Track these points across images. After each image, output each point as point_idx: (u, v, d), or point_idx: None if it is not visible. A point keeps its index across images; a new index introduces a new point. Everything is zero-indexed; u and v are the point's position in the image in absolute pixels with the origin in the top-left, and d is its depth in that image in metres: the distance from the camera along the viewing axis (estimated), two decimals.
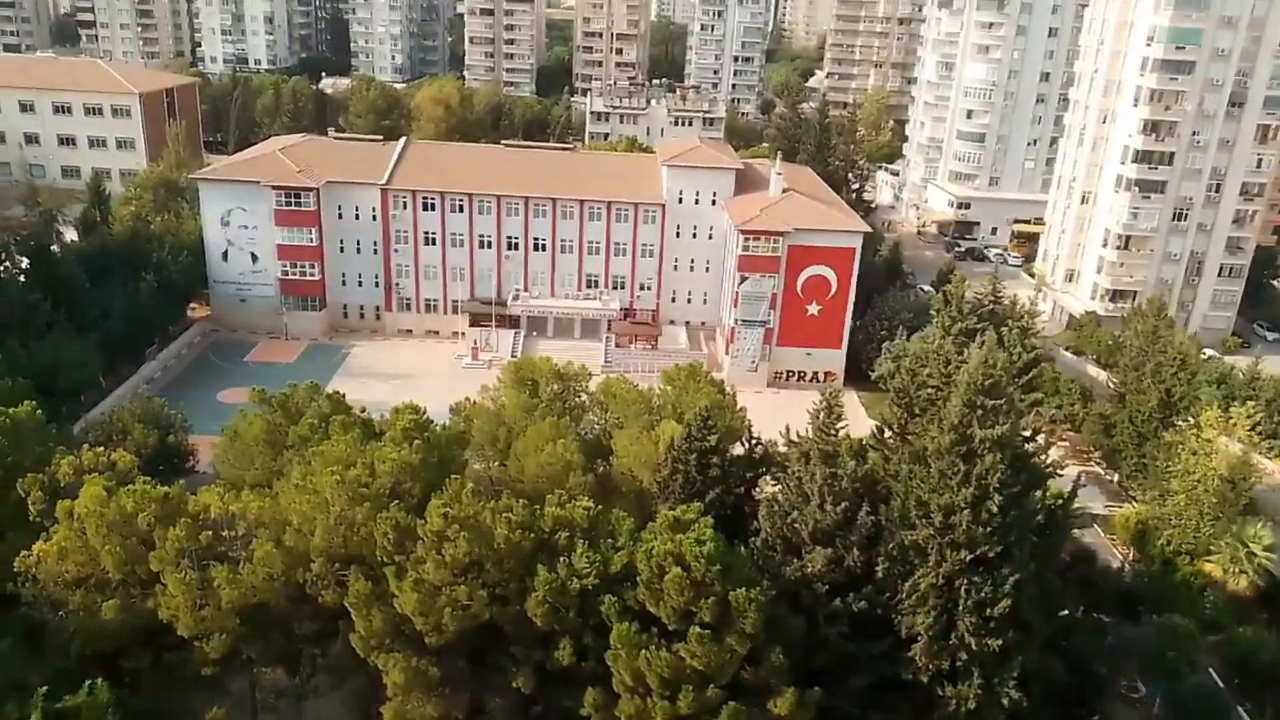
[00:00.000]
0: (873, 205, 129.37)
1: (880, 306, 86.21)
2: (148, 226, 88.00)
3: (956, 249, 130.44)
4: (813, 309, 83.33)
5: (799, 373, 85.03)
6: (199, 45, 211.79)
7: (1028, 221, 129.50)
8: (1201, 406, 64.20)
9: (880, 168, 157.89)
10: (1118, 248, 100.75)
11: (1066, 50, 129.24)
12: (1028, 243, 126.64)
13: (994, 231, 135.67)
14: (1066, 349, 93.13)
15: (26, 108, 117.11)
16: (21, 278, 73.38)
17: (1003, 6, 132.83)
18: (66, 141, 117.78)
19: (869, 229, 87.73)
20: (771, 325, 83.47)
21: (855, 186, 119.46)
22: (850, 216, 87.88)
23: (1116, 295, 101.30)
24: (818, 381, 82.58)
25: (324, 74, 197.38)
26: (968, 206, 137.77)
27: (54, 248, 77.44)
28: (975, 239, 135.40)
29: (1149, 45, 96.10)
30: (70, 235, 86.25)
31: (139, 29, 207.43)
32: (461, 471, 44.00)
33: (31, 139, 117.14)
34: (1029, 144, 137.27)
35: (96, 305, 72.69)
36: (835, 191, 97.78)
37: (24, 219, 77.47)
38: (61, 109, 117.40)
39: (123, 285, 75.80)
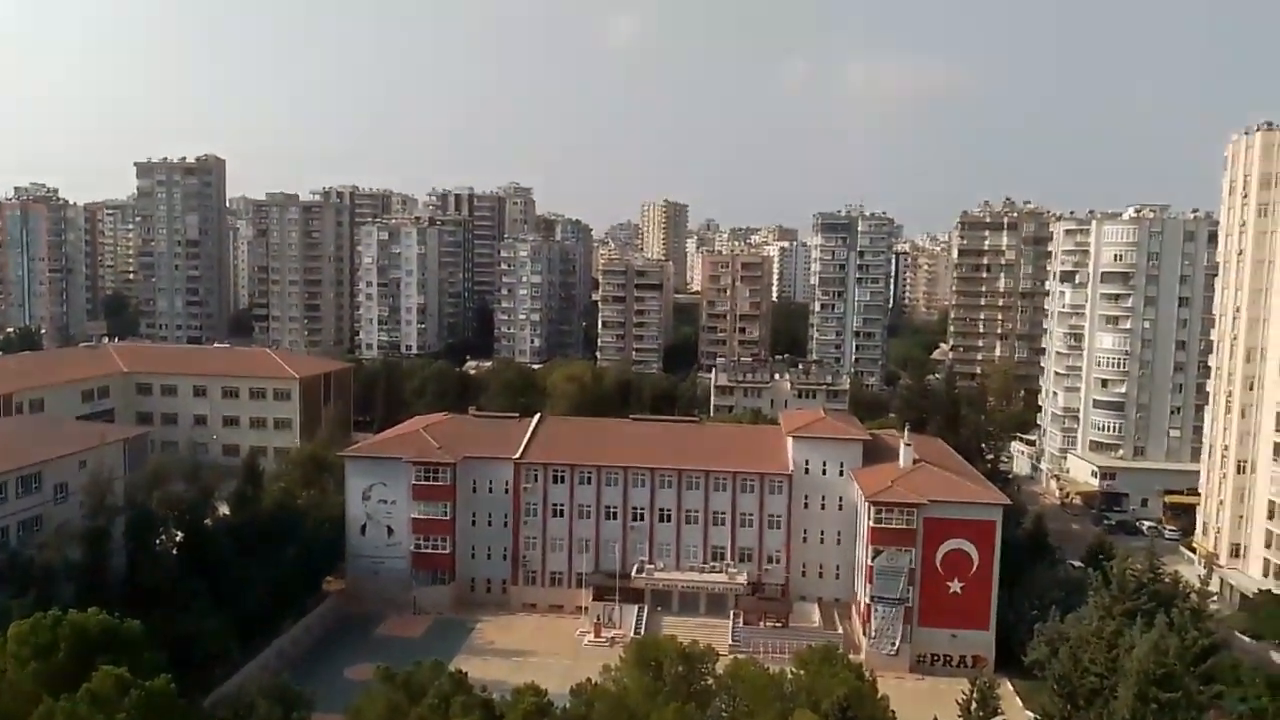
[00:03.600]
0: (1010, 476, 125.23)
1: (1027, 584, 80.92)
2: (294, 501, 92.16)
3: (1105, 522, 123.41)
4: (955, 586, 78.83)
5: (945, 656, 79.11)
6: (358, 334, 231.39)
7: (1180, 492, 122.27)
8: None
9: (1014, 438, 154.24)
10: None
11: (1200, 318, 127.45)
12: (1183, 515, 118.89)
13: (1144, 503, 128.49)
14: (1242, 632, 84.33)
15: (199, 392, 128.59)
16: (175, 550, 77.26)
17: (1128, 280, 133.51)
18: (230, 422, 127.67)
19: (1008, 500, 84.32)
20: (911, 603, 79.00)
21: (989, 457, 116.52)
22: (987, 487, 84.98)
23: None
24: (966, 666, 76.59)
25: (468, 357, 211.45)
26: (1113, 477, 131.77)
27: (207, 521, 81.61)
28: (1125, 511, 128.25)
29: None
30: (225, 510, 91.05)
31: (306, 320, 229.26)
32: None
33: (200, 420, 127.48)
34: (1172, 411, 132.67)
35: (240, 578, 75.07)
36: (969, 463, 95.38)
37: (183, 495, 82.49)
38: (229, 393, 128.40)
39: (266, 558, 78.46)
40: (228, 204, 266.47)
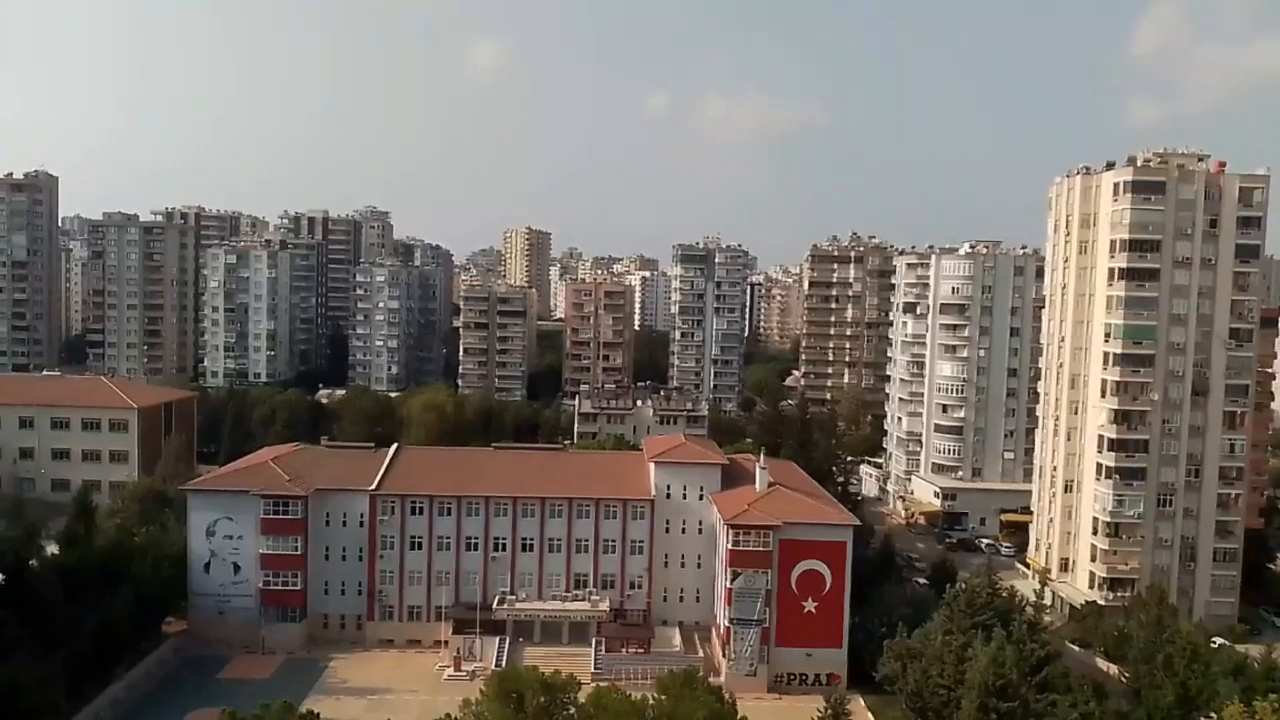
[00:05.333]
0: (859, 498, 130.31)
1: (877, 602, 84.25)
2: (131, 538, 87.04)
3: (948, 540, 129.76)
4: (809, 606, 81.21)
5: (800, 675, 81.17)
6: (202, 361, 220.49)
7: (1015, 511, 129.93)
8: (1222, 702, 61.19)
9: (863, 461, 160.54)
10: (1108, 535, 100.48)
11: (1030, 347, 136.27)
12: (1018, 532, 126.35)
13: (982, 521, 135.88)
14: (1072, 642, 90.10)
15: (26, 423, 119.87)
16: None
17: (964, 312, 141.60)
18: (60, 455, 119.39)
19: (858, 521, 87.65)
20: (768, 624, 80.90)
21: (840, 480, 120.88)
22: (839, 509, 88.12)
23: (1115, 584, 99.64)
24: (821, 684, 78.85)
25: (321, 385, 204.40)
26: (954, 498, 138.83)
27: (32, 562, 75.97)
28: (965, 529, 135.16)
29: (1107, 341, 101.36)
30: (53, 549, 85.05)
31: (145, 347, 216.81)
32: None
33: (26, 453, 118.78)
34: (1006, 435, 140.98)
35: (69, 621, 70.16)
36: (821, 485, 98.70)
37: (6, 533, 76.58)
38: (59, 424, 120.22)
39: (100, 600, 73.64)
40: (60, 223, 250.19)
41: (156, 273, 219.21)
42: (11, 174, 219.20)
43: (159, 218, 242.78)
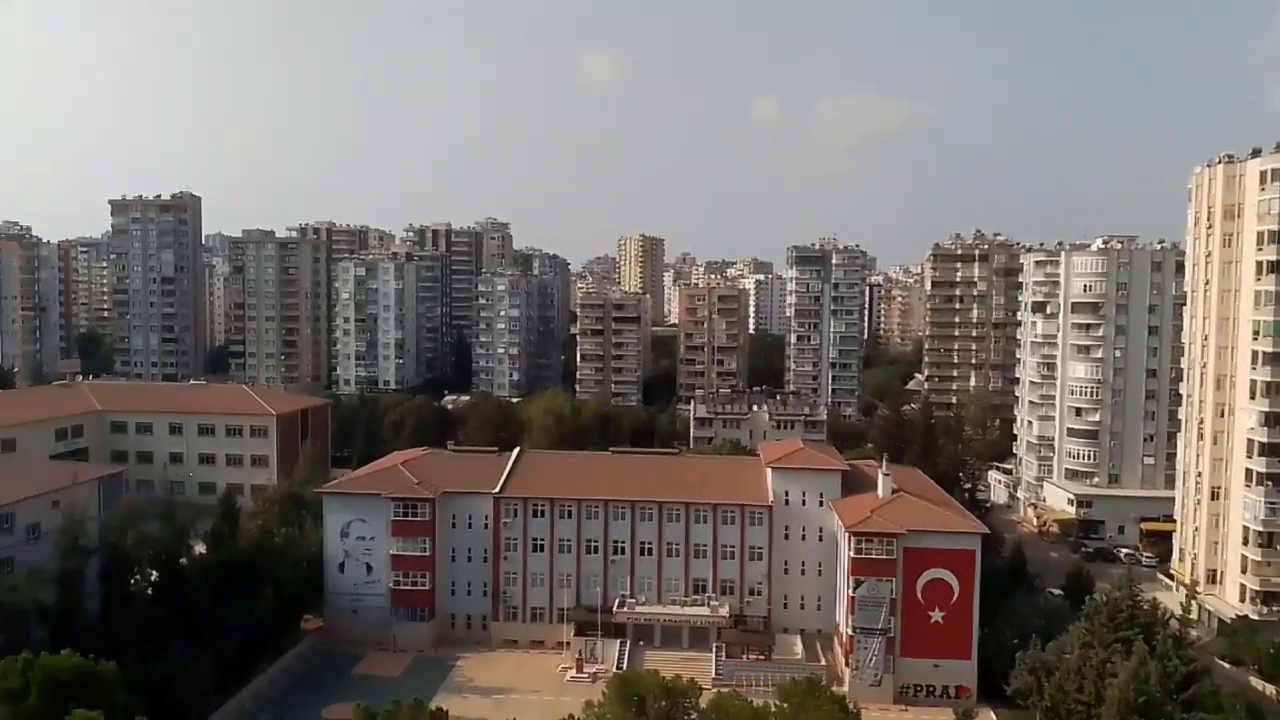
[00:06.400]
0: (987, 505, 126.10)
1: (1008, 613, 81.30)
2: (272, 539, 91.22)
3: (1083, 549, 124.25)
4: (936, 616, 78.96)
5: (928, 686, 79.02)
6: (335, 369, 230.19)
7: (1157, 519, 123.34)
8: None
9: (991, 467, 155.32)
10: (1260, 545, 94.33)
11: (1170, 346, 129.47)
12: (1160, 541, 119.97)
13: (1121, 530, 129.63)
14: (1221, 658, 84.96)
15: (175, 430, 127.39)
16: (150, 591, 76.16)
17: (1098, 310, 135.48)
18: (206, 460, 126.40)
19: (986, 529, 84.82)
20: (893, 634, 79.06)
21: (967, 486, 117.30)
22: (966, 516, 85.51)
23: (1269, 597, 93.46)
24: (949, 696, 76.71)
25: (446, 391, 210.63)
26: (1089, 505, 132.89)
27: (183, 561, 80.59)
28: (1102, 538, 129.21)
29: (1256, 339, 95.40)
30: (201, 549, 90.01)
31: (283, 357, 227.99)
32: None
33: (175, 458, 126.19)
34: (1146, 439, 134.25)
35: (216, 618, 74.09)
36: (947, 492, 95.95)
37: (158, 534, 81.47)
38: (205, 430, 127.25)
39: (243, 598, 77.55)
40: (203, 241, 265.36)
41: (292, 286, 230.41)
42: (160, 195, 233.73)
43: (293, 234, 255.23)
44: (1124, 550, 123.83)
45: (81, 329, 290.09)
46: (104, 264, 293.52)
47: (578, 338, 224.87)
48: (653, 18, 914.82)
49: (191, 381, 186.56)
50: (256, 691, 74.79)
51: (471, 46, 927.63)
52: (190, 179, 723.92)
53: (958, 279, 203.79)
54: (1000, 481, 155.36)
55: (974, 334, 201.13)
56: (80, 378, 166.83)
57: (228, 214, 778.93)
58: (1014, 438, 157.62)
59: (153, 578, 77.49)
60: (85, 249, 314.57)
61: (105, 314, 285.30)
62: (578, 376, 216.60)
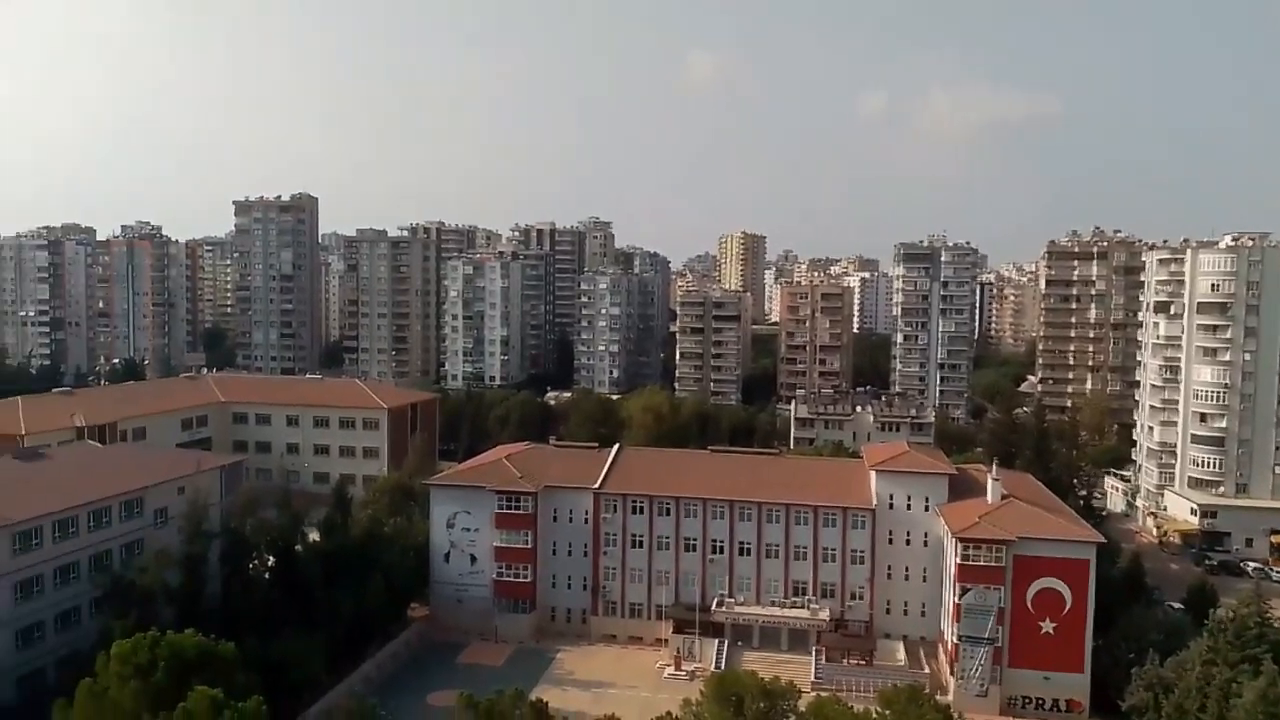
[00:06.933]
0: (1103, 513, 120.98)
1: (1124, 626, 77.85)
2: (381, 528, 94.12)
3: (1207, 562, 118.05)
4: (1047, 627, 76.16)
5: (1037, 699, 76.28)
6: (443, 365, 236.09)
7: None
8: None
9: (1108, 473, 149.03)
10: None
11: None
12: None
13: (1249, 542, 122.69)
14: None
15: (292, 421, 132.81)
16: (267, 575, 79.57)
17: (1226, 311, 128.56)
18: (321, 450, 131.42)
19: (1102, 538, 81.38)
20: (1000, 643, 76.58)
21: (1082, 493, 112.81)
22: (1079, 524, 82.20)
23: None
24: (1060, 710, 74.07)
25: (549, 387, 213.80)
26: (1214, 515, 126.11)
27: (298, 547, 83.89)
28: (1227, 550, 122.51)
29: None
30: (314, 536, 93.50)
31: (394, 352, 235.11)
32: None
33: (292, 448, 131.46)
34: (1278, 447, 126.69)
35: (329, 603, 76.83)
36: (1060, 499, 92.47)
37: (275, 521, 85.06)
38: (320, 422, 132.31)
39: (354, 584, 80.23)
40: (319, 240, 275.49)
41: (403, 283, 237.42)
42: (280, 197, 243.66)
43: (404, 233, 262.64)
44: (1252, 564, 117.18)
45: (206, 324, 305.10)
46: (228, 262, 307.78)
47: (677, 335, 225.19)
48: (759, 17, 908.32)
49: (308, 375, 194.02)
50: (365, 675, 77.23)
51: (580, 50, 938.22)
52: (307, 180, 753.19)
53: (1074, 277, 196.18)
54: (1118, 489, 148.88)
55: (1091, 335, 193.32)
56: (205, 371, 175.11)
57: (341, 215, 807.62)
58: (1133, 444, 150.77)
59: (270, 562, 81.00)
60: (210, 248, 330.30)
61: (228, 310, 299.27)
62: (677, 374, 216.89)
